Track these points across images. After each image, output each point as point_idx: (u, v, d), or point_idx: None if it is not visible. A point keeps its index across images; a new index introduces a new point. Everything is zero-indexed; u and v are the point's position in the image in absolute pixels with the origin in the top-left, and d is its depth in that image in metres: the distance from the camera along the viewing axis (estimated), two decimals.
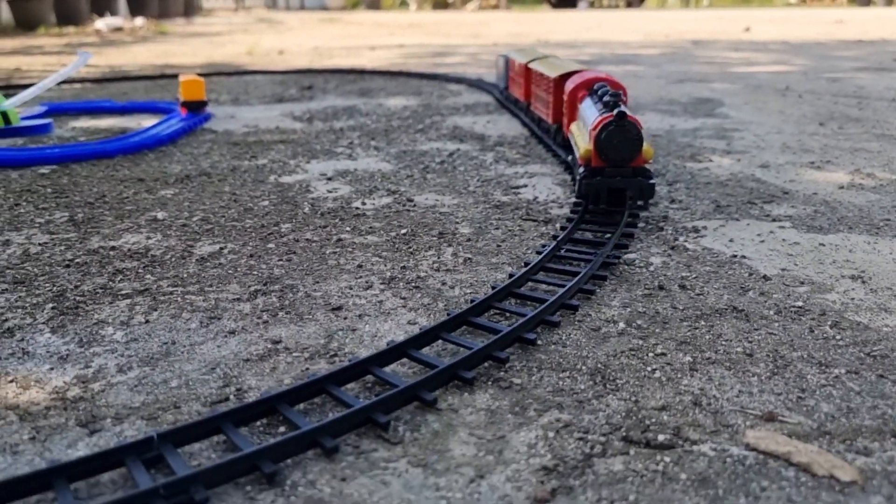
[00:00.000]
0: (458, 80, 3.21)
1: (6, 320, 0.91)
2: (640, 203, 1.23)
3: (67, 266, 1.09)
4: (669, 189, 1.46)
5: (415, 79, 3.37)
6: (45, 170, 1.68)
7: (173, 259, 1.11)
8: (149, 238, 1.21)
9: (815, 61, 4.09)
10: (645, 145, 1.19)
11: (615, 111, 1.18)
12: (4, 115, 2.07)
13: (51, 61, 4.54)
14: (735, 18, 10.27)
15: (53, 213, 1.36)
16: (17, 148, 1.87)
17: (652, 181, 1.20)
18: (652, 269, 1.05)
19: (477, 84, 3.02)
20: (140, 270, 1.07)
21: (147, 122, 2.30)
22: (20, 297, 0.98)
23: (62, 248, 1.17)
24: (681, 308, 0.92)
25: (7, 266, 1.09)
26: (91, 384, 0.76)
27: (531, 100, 2.00)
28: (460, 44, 5.85)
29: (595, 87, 1.37)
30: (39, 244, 1.19)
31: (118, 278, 1.04)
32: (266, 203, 1.40)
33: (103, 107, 2.52)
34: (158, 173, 1.64)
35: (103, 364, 0.80)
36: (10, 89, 2.95)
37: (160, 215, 1.33)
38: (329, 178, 1.58)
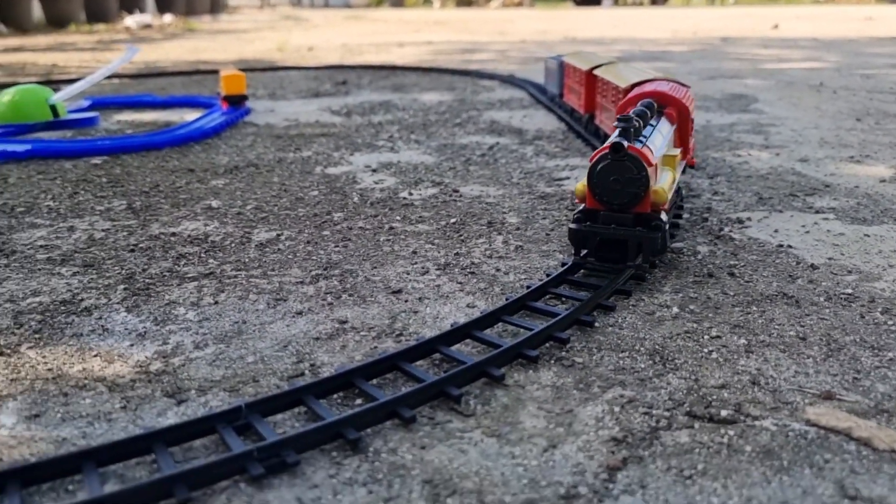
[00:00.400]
0: (491, 76, 3.23)
1: (82, 300, 0.96)
2: (639, 262, 0.97)
3: (132, 251, 1.13)
4: (711, 182, 1.48)
5: (447, 75, 3.40)
6: (97, 160, 1.73)
7: (233, 245, 1.15)
8: (206, 225, 1.25)
9: (848, 58, 4.07)
10: (657, 186, 0.96)
11: (614, 141, 0.94)
12: (53, 108, 2.12)
13: (85, 57, 4.62)
14: (762, 16, 10.20)
15: (112, 201, 1.40)
16: (69, 140, 1.92)
17: (658, 234, 0.95)
18: (700, 257, 1.07)
19: (509, 80, 3.04)
20: (202, 255, 1.11)
21: (189, 115, 2.35)
22: (92, 279, 1.03)
23: (125, 233, 1.21)
24: (731, 294, 0.95)
25: (75, 250, 1.14)
26: (171, 359, 0.80)
27: (596, 112, 1.76)
28: (487, 41, 5.87)
29: (640, 103, 1.13)
30: (103, 230, 1.23)
31: (182, 262, 1.08)
32: (316, 193, 1.44)
33: (145, 101, 2.58)
34: (207, 164, 1.68)
35: (180, 341, 0.84)
36: (50, 84, 3.02)
37: (214, 204, 1.37)
38: (374, 170, 1.61)
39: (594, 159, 0.96)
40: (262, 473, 0.59)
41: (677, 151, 1.10)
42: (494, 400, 0.71)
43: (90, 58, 4.62)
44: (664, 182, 0.99)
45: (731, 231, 1.18)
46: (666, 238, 0.97)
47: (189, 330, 0.87)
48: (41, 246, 1.16)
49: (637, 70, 1.55)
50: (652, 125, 1.07)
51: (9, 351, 0.82)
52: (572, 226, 0.98)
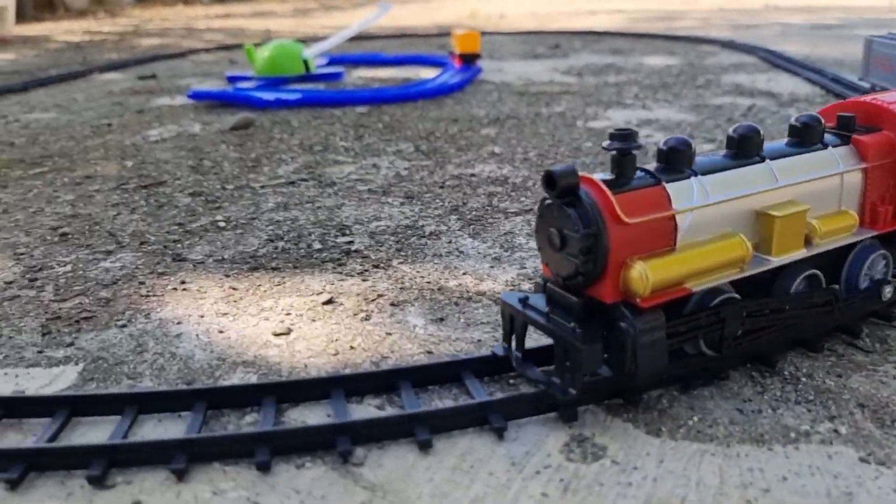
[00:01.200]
0: (708, 41, 3.13)
1: (423, 226, 1.02)
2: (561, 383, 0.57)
3: (442, 187, 1.20)
4: None
5: (659, 40, 3.32)
6: (361, 109, 1.83)
7: (537, 186, 1.19)
8: (500, 168, 1.30)
9: None
10: (640, 264, 0.55)
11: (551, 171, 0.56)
12: (305, 63, 2.26)
13: (290, 23, 4.88)
14: None
15: (398, 143, 1.48)
16: (334, 90, 2.04)
17: (596, 345, 0.55)
18: None
19: (731, 45, 2.93)
20: (511, 193, 1.15)
21: (420, 72, 2.43)
22: (421, 208, 1.09)
23: (425, 172, 1.28)
24: None
25: (389, 184, 1.21)
26: (537, 280, 0.84)
27: None
28: (682, 9, 5.66)
29: (798, 118, 0.69)
30: (405, 168, 1.31)
31: (495, 199, 1.13)
32: (590, 144, 1.45)
33: (376, 59, 2.69)
34: (468, 115, 1.74)
35: (536, 266, 0.88)
36: (229, 49, 3.20)
37: (496, 150, 1.42)
38: (637, 126, 1.61)
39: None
40: (698, 384, 0.62)
41: (796, 209, 0.62)
42: (891, 340, 0.70)
43: (295, 24, 4.87)
44: (680, 259, 0.57)
45: None
46: (634, 357, 0.55)
47: (538, 257, 0.90)
48: (356, 179, 1.25)
49: None
50: (757, 158, 0.63)
51: (383, 265, 0.90)
52: (505, 294, 0.64)
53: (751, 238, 0.61)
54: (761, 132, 0.64)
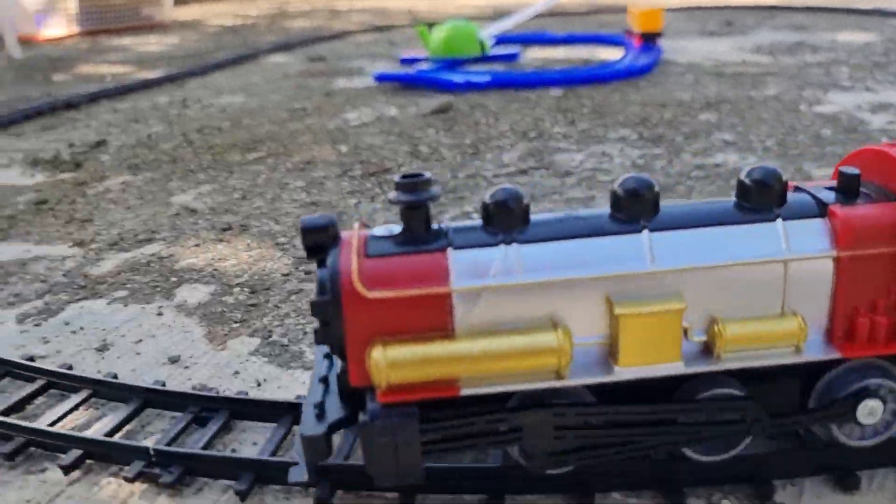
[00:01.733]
0: None
1: None
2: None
3: (690, 178, 1.12)
4: None
5: (841, 14, 3.10)
6: (556, 92, 1.76)
7: (794, 179, 1.10)
8: (743, 158, 1.21)
9: None
10: (374, 353, 0.45)
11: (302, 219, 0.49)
12: (481, 43, 2.22)
13: (430, 3, 4.86)
14: None
15: (617, 130, 1.41)
16: (523, 72, 1.99)
17: (321, 430, 0.47)
18: None
19: None
20: None
21: (598, 52, 2.34)
22: (669, 197, 1.02)
23: (663, 161, 1.21)
24: None
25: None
26: None
27: None
28: None
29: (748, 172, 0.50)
30: (638, 157, 1.24)
31: None
32: (829, 132, 1.34)
33: (544, 38, 2.62)
34: (673, 99, 1.65)
35: None
36: (382, 30, 3.18)
37: (727, 137, 1.33)
38: (872, 111, 1.48)
39: None
40: None
41: (660, 307, 0.45)
42: None
43: (435, 3, 4.85)
44: (446, 350, 0.45)
45: None
46: (371, 455, 0.46)
47: None
48: (592, 168, 1.19)
49: None
50: (637, 225, 0.47)
51: None
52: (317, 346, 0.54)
53: (602, 337, 0.46)
54: (655, 186, 0.47)
